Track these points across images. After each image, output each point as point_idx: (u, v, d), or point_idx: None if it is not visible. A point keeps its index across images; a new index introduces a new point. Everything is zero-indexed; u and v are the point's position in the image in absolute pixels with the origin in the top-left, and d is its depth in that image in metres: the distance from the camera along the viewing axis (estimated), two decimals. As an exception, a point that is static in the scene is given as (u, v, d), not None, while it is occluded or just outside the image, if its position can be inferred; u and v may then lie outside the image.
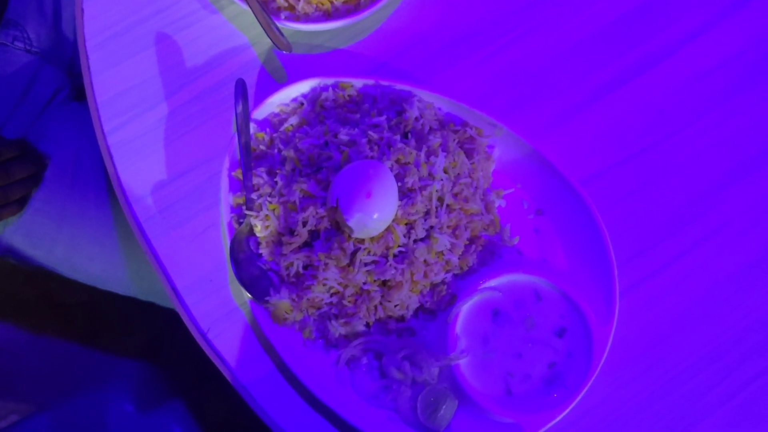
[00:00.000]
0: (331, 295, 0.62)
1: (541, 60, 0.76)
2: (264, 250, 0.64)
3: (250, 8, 0.71)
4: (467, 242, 0.65)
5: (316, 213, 0.61)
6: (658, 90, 0.76)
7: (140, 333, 1.16)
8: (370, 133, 0.64)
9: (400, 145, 0.63)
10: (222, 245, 0.68)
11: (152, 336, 1.18)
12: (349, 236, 0.60)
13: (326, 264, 0.61)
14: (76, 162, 0.92)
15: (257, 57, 0.75)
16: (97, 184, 0.92)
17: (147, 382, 1.16)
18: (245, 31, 0.76)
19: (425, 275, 0.62)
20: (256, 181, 0.66)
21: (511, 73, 0.76)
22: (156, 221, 0.70)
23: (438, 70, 0.75)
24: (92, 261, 0.92)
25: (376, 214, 0.59)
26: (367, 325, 0.63)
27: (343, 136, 0.64)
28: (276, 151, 0.67)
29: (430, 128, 0.66)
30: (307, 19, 0.72)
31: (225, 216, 0.66)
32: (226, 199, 0.67)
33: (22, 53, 0.97)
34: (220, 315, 0.66)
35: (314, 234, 0.62)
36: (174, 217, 0.70)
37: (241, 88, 0.68)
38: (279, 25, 0.71)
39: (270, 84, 0.74)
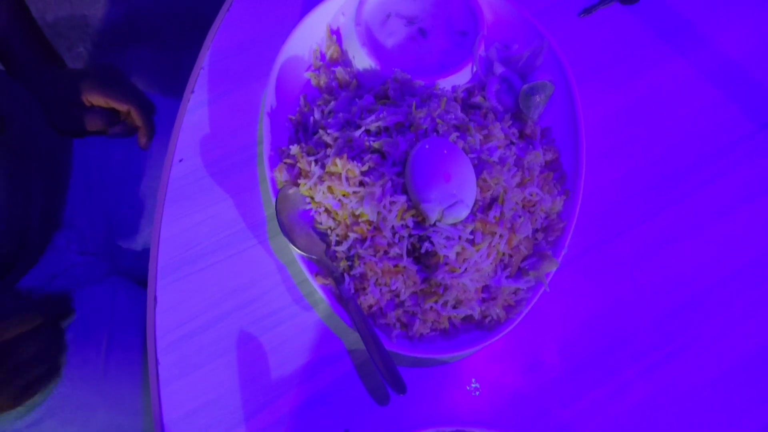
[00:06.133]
0: None
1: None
2: None
3: (357, 330, 0.59)
4: None
5: None
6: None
7: None
8: None
9: None
10: None
11: None
12: None
13: None
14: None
15: (354, 368, 0.63)
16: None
17: None
18: (342, 334, 0.64)
19: None
20: None
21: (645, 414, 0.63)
22: None
23: (562, 398, 0.63)
24: None
25: None
26: None
27: None
28: None
29: None
30: (421, 340, 0.61)
31: None
32: None
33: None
34: None
35: None
36: None
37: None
38: (390, 350, 0.59)
39: (370, 406, 0.62)
